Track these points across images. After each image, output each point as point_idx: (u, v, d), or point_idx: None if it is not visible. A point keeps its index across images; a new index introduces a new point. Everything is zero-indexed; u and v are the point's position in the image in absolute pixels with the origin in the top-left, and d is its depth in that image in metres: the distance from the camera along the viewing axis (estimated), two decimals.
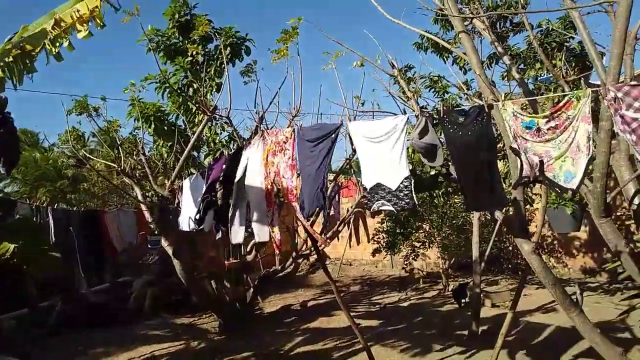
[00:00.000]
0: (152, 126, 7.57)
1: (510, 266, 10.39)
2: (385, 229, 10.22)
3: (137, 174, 7.14)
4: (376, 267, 12.90)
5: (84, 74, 42.83)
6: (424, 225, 9.96)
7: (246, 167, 4.63)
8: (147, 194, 7.30)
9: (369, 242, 10.49)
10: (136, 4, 5.14)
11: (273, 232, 4.56)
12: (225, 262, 9.23)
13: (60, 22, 3.47)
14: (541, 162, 3.07)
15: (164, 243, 6.86)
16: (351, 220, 10.06)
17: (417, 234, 9.97)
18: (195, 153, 8.14)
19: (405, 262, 10.04)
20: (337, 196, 8.99)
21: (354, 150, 4.41)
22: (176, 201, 6.65)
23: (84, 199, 14.13)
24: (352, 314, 6.73)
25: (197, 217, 5.19)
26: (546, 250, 10.24)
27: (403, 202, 3.65)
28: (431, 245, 9.95)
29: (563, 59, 5.79)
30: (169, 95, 7.73)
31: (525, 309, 7.42)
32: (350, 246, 10.73)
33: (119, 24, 7.99)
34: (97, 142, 14.05)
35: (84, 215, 8.18)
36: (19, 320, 7.61)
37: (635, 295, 3.87)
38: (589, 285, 8.87)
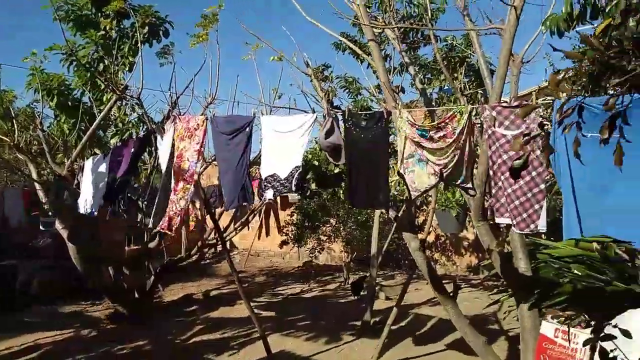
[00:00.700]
0: (54, 100, 7.05)
1: (407, 262, 11.13)
2: (294, 222, 10.46)
3: (34, 150, 6.65)
4: (283, 258, 13.13)
5: None
6: (331, 220, 10.35)
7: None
8: (43, 172, 6.82)
9: (279, 233, 10.64)
10: None
11: (173, 220, 4.48)
12: (126, 248, 8.88)
13: None
14: (441, 171, 3.41)
15: (59, 226, 6.48)
16: (262, 211, 10.15)
17: (324, 228, 10.35)
18: (101, 132, 7.72)
19: (311, 255, 10.37)
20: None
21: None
22: (75, 182, 6.30)
23: None
24: (254, 304, 6.89)
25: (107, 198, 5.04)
26: (439, 249, 11.17)
27: (283, 188, 3.82)
28: (336, 239, 10.38)
29: (463, 73, 6.37)
30: (75, 69, 7.21)
31: (415, 302, 8.09)
32: (259, 237, 10.82)
33: None
34: None
35: None
36: None
37: (502, 290, 4.46)
38: (472, 282, 9.83)
